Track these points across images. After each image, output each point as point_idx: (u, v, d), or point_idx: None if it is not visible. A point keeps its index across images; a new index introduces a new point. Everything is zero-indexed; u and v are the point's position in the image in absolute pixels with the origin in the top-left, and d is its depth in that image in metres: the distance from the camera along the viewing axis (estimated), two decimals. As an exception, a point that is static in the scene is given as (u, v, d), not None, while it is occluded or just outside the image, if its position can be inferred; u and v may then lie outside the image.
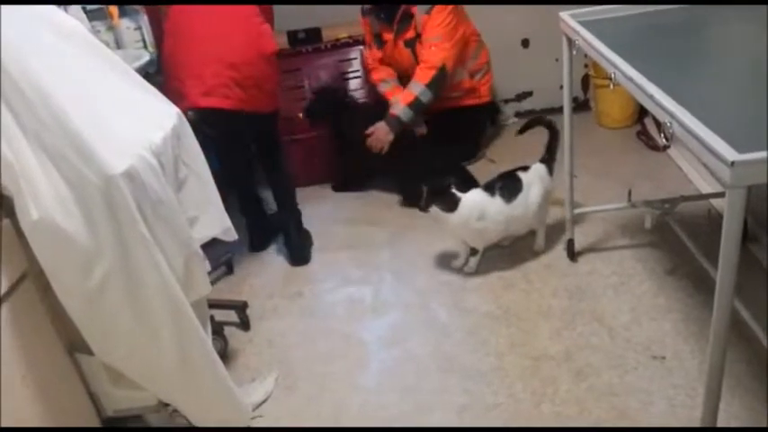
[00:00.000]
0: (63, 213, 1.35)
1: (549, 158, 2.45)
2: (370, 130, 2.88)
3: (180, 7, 2.40)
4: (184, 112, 1.73)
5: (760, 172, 1.09)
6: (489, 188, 2.39)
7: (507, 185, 2.37)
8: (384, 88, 3.09)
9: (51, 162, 1.35)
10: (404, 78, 3.09)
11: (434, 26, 2.87)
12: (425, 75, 2.86)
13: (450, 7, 2.89)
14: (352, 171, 3.20)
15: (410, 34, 2.94)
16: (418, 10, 2.88)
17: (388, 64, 3.10)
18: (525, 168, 2.41)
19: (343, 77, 3.26)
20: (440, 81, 2.88)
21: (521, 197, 2.35)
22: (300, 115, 3.06)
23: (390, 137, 2.85)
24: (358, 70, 3.28)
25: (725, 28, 1.93)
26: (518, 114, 3.77)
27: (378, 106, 3.06)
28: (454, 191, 2.35)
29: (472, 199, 2.36)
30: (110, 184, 1.36)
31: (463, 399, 1.89)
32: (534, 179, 2.39)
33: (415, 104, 2.85)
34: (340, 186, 3.24)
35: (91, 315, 1.47)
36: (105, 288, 1.43)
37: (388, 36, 3.00)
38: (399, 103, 2.88)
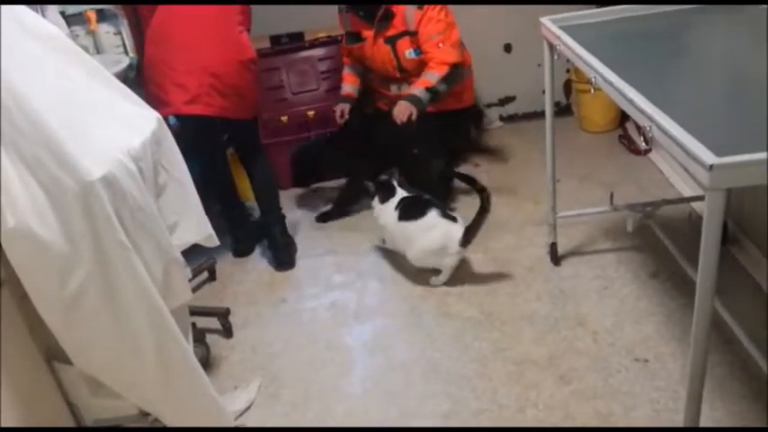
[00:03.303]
0: (39, 220, 1.33)
1: (468, 228, 2.34)
2: (395, 111, 2.87)
3: (162, 15, 2.39)
4: (165, 119, 1.72)
5: (738, 175, 1.10)
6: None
7: (407, 206, 2.45)
8: (345, 71, 3.18)
9: (27, 168, 1.33)
10: (383, 78, 3.11)
11: (432, 21, 2.84)
12: (440, 69, 2.85)
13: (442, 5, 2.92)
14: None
15: (391, 31, 2.94)
16: (408, 6, 2.87)
17: (362, 59, 3.11)
18: (438, 210, 2.39)
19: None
20: (453, 77, 2.90)
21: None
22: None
23: (413, 110, 2.82)
24: (337, 69, 3.29)
25: (704, 33, 1.95)
26: (502, 118, 3.79)
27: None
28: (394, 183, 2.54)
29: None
30: (87, 191, 1.34)
31: (448, 405, 1.88)
32: (429, 225, 2.37)
33: (432, 90, 2.86)
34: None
35: (68, 324, 1.44)
36: (82, 296, 1.40)
37: (368, 33, 3.00)
38: (418, 86, 2.87)
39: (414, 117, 2.80)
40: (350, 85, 3.15)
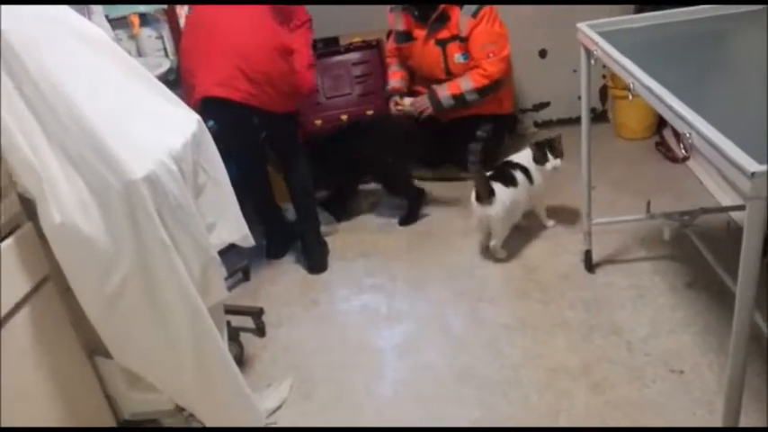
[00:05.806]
0: (84, 217, 1.37)
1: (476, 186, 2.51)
2: (414, 101, 3.03)
3: (199, 7, 2.43)
4: (205, 121, 1.75)
5: (781, 183, 1.08)
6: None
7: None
8: (391, 69, 3.25)
9: (73, 167, 1.37)
10: (427, 79, 3.14)
11: (485, 32, 2.89)
12: (480, 80, 2.92)
13: (496, 12, 2.93)
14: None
15: (444, 34, 2.96)
16: (463, 12, 2.89)
17: (408, 59, 3.15)
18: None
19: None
20: (489, 91, 2.97)
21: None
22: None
23: (430, 109, 2.97)
24: (371, 73, 3.31)
25: (744, 38, 1.92)
26: (536, 124, 3.76)
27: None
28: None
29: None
30: (130, 189, 1.38)
31: (479, 410, 1.88)
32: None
33: (459, 98, 2.96)
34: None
35: (109, 318, 1.48)
36: (124, 292, 1.44)
37: (419, 33, 3.03)
38: (446, 90, 2.96)
39: (427, 113, 2.90)
40: (398, 80, 3.20)
